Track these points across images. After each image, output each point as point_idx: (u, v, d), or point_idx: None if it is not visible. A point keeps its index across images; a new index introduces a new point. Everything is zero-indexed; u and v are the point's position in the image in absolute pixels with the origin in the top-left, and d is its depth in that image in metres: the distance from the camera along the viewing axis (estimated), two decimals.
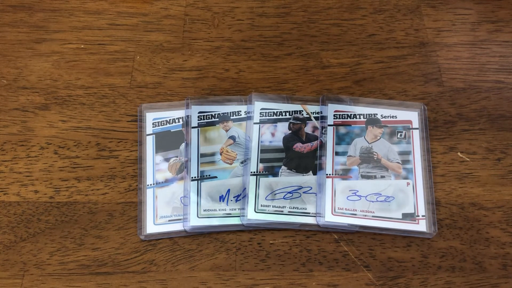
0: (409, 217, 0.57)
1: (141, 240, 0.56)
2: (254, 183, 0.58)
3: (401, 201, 0.58)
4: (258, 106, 0.62)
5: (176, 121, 0.61)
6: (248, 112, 0.62)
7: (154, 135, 0.61)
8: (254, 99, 0.62)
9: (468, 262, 0.55)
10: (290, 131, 0.61)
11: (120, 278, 0.54)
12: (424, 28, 0.70)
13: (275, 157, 0.60)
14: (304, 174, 0.59)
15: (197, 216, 0.57)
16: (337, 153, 0.60)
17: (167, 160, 0.60)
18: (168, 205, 0.57)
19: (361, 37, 0.69)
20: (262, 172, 0.59)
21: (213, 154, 0.60)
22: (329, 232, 0.57)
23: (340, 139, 0.61)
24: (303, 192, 0.58)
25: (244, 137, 0.61)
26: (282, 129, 0.61)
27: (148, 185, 0.58)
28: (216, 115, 0.62)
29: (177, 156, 0.60)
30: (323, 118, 0.61)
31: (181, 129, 0.61)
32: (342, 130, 0.61)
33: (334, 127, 0.61)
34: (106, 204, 0.58)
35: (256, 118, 0.61)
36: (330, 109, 0.62)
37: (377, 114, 0.62)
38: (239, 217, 0.57)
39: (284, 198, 0.58)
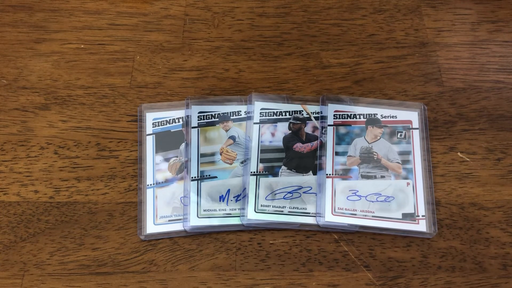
0: (409, 217, 0.57)
1: (141, 240, 0.56)
2: (254, 183, 0.58)
3: (401, 201, 0.58)
4: (258, 106, 0.62)
5: (176, 121, 0.61)
6: (248, 112, 0.62)
7: (154, 135, 0.61)
8: (254, 99, 0.62)
9: (468, 262, 0.55)
10: (290, 131, 0.61)
11: (120, 278, 0.54)
12: (424, 28, 0.70)
13: (275, 157, 0.60)
14: (304, 174, 0.59)
15: (197, 216, 0.57)
16: (337, 153, 0.60)
17: (167, 160, 0.60)
18: (168, 205, 0.57)
19: (361, 37, 0.69)
20: (262, 172, 0.59)
21: (213, 154, 0.60)
22: (329, 232, 0.57)
23: (340, 139, 0.61)
24: (303, 192, 0.58)
25: (244, 137, 0.61)
26: (282, 129, 0.61)
27: (148, 185, 0.58)
28: (216, 115, 0.62)
29: (177, 156, 0.60)
30: (323, 118, 0.61)
31: (181, 129, 0.61)
32: (342, 130, 0.61)
33: (334, 127, 0.61)
34: (106, 204, 0.58)
35: (256, 118, 0.61)
36: (330, 109, 0.62)
37: (377, 114, 0.62)
38: (239, 217, 0.57)
39: (284, 198, 0.58)
